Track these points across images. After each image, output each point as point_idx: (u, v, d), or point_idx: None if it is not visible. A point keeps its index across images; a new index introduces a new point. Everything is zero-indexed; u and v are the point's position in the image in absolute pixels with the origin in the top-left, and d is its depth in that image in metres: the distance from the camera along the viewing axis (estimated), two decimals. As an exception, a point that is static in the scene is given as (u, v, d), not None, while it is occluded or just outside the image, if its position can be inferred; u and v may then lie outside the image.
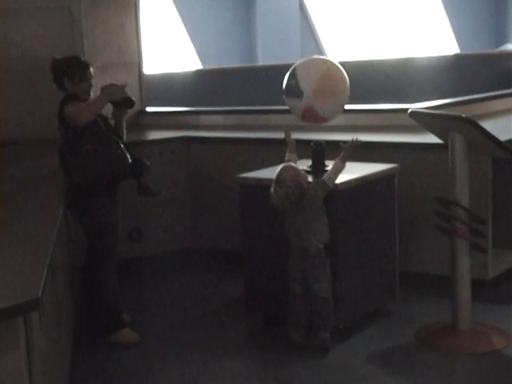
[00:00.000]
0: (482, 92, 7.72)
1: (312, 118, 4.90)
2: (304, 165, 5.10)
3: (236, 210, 5.33)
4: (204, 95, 11.67)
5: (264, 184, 5.01)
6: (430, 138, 5.16)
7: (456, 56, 14.32)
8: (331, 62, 4.88)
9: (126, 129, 5.23)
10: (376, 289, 5.13)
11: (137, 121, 7.52)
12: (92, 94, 5.01)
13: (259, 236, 5.09)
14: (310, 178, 4.85)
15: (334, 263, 4.68)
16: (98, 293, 4.98)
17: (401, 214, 5.31)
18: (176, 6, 19.63)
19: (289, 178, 4.56)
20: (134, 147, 5.30)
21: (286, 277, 4.73)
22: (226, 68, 14.62)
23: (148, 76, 8.08)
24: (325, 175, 4.64)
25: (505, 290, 5.62)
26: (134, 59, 7.53)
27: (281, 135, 6.64)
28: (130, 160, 4.99)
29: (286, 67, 5.05)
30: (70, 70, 4.93)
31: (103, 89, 5.02)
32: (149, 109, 7.81)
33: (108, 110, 5.12)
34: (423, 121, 5.02)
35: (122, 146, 5.00)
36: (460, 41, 22.23)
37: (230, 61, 18.79)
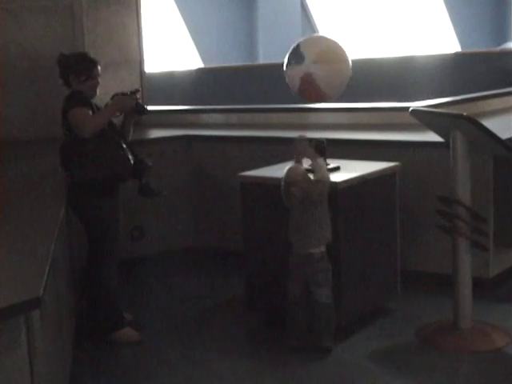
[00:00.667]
0: (483, 90, 7.72)
1: (309, 91, 4.82)
2: (305, 163, 5.10)
3: (237, 208, 5.33)
4: (205, 93, 11.68)
5: (265, 182, 5.02)
6: (432, 137, 5.16)
7: (457, 54, 14.32)
8: (337, 42, 4.88)
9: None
10: (377, 287, 5.13)
11: (138, 119, 7.52)
12: (98, 92, 5.00)
13: (260, 234, 5.08)
14: (311, 177, 4.85)
15: (335, 261, 4.67)
16: (99, 292, 4.98)
17: (402, 213, 5.30)
18: (177, 5, 19.63)
19: (300, 177, 4.54)
20: (136, 145, 5.29)
21: (285, 278, 4.71)
22: (228, 66, 14.63)
23: (149, 74, 8.08)
24: (315, 175, 4.56)
25: (506, 288, 5.62)
26: (136, 57, 7.53)
27: (281, 134, 6.67)
28: (131, 161, 4.98)
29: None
30: (78, 67, 4.91)
31: (113, 98, 5.00)
32: (150, 107, 7.79)
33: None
34: (424, 119, 5.02)
35: (125, 146, 4.99)
36: (461, 39, 22.23)
37: (232, 59, 18.81)
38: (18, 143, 6.71)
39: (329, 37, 4.95)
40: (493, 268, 5.52)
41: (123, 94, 5.03)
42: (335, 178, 4.78)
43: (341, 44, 4.86)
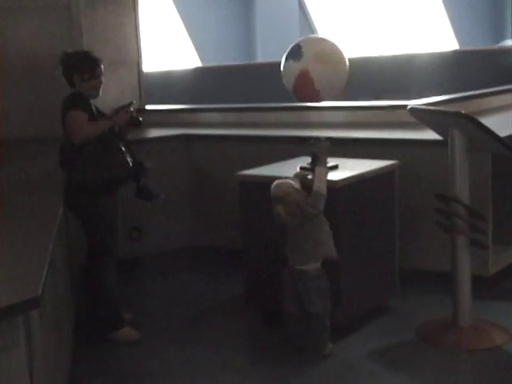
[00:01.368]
0: (481, 88, 7.72)
1: (305, 88, 4.83)
2: (304, 162, 5.10)
3: (235, 207, 5.32)
4: (203, 93, 11.68)
5: (263, 181, 5.01)
6: (430, 135, 5.16)
7: (455, 52, 14.31)
8: (336, 44, 4.89)
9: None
10: (376, 285, 5.13)
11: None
12: (101, 91, 4.99)
13: (259, 233, 5.08)
14: (309, 176, 4.85)
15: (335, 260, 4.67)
16: (99, 291, 4.98)
17: (401, 211, 5.30)
18: (175, 4, 19.62)
19: (285, 195, 4.42)
20: (134, 145, 5.29)
21: (279, 292, 4.66)
22: (225, 66, 14.62)
23: (147, 74, 8.07)
24: (315, 186, 4.45)
25: (505, 286, 5.62)
26: (133, 57, 7.53)
27: (279, 132, 6.67)
28: (130, 164, 4.97)
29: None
30: (81, 66, 4.90)
31: (117, 110, 4.98)
32: (148, 107, 7.80)
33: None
34: (423, 117, 5.02)
35: (124, 148, 4.99)
36: (459, 37, 22.23)
37: (229, 58, 18.80)
38: (17, 143, 6.70)
39: (328, 38, 4.97)
40: (492, 266, 5.52)
41: (121, 108, 5.01)
42: (334, 176, 4.77)
43: (339, 46, 4.88)
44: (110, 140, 4.91)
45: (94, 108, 4.94)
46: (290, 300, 4.60)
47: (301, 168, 5.00)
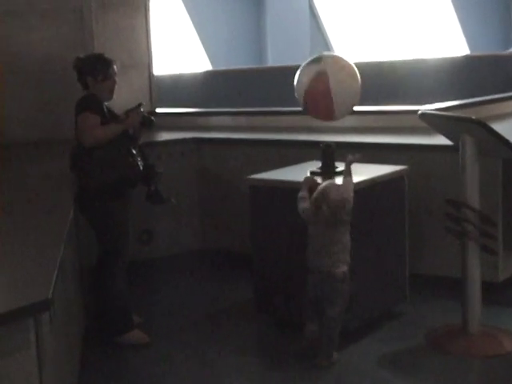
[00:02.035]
0: (492, 94, 7.70)
1: (319, 88, 4.81)
2: (314, 166, 5.10)
3: (245, 211, 5.32)
4: (214, 96, 11.68)
5: (274, 185, 5.02)
6: (441, 140, 5.15)
7: (466, 57, 14.28)
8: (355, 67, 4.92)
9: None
10: (386, 291, 5.12)
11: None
12: (114, 93, 5.00)
13: (269, 237, 5.08)
14: (319, 180, 4.85)
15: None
16: (108, 294, 4.99)
17: (411, 216, 5.29)
18: (186, 8, 19.65)
19: (337, 197, 4.43)
20: (144, 148, 5.29)
21: (298, 285, 4.64)
22: (236, 69, 14.63)
23: (158, 77, 8.09)
24: (345, 194, 4.47)
25: (515, 292, 5.61)
26: (144, 60, 7.55)
27: (289, 136, 6.67)
28: (141, 167, 4.98)
29: (295, 68, 5.06)
30: (94, 69, 4.92)
31: (127, 113, 5.00)
32: (158, 110, 7.81)
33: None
34: (433, 122, 5.01)
35: (135, 152, 5.00)
36: (470, 42, 22.19)
37: (240, 62, 18.82)
38: (26, 145, 6.72)
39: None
40: (502, 272, 5.50)
41: (131, 110, 5.02)
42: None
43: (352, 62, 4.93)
44: (122, 143, 4.91)
45: (106, 110, 4.95)
46: (311, 309, 4.56)
47: (311, 172, 5.00)
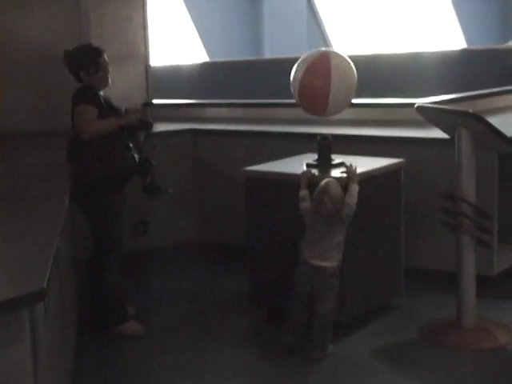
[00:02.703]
0: (488, 87, 7.70)
1: (320, 68, 4.80)
2: (310, 158, 5.10)
3: (241, 203, 5.32)
4: (210, 88, 11.67)
5: (269, 177, 5.02)
6: (437, 133, 5.15)
7: (463, 51, 14.29)
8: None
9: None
10: (381, 284, 5.12)
11: (143, 113, 7.51)
12: (110, 80, 4.99)
13: (264, 229, 5.08)
14: (315, 173, 4.85)
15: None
16: (103, 285, 4.99)
17: (406, 209, 5.30)
18: (183, -1, 19.61)
19: (339, 194, 4.51)
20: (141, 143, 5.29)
21: (293, 278, 4.63)
22: (233, 61, 14.60)
23: (154, 68, 8.06)
24: (348, 198, 4.54)
25: (510, 285, 5.62)
26: (141, 51, 7.52)
27: (286, 129, 6.67)
28: (137, 161, 4.98)
29: (292, 61, 5.04)
30: (84, 61, 4.90)
31: (127, 110, 5.00)
32: (155, 101, 7.79)
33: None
34: (430, 116, 5.01)
35: (132, 145, 5.00)
36: (467, 36, 22.19)
37: (237, 54, 18.78)
38: (23, 136, 6.71)
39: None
40: (496, 265, 5.51)
41: (131, 109, 5.04)
42: (339, 173, 4.77)
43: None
44: (119, 137, 4.91)
45: (103, 101, 4.93)
46: (300, 303, 4.57)
47: (307, 165, 5.00)
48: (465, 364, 4.61)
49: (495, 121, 4.75)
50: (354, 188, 4.60)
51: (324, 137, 5.07)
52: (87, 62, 4.89)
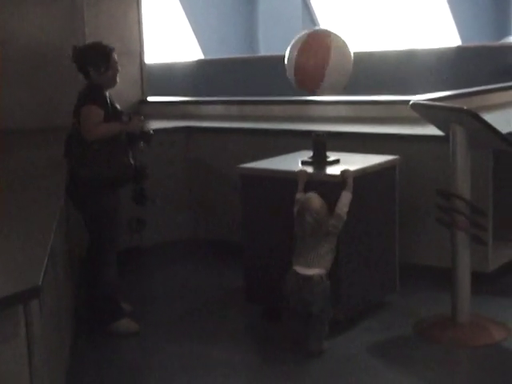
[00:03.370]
0: (483, 84, 7.71)
1: (315, 44, 4.81)
2: (305, 156, 5.10)
3: (236, 200, 5.32)
4: (205, 85, 11.67)
5: (264, 175, 5.02)
6: (432, 130, 5.16)
7: (458, 48, 14.31)
8: None
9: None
10: (376, 280, 5.13)
11: (138, 110, 7.52)
12: (118, 79, 4.99)
13: (259, 226, 5.08)
14: (310, 170, 4.85)
15: (335, 255, 4.66)
16: (99, 283, 4.98)
17: (401, 206, 5.30)
18: (178, -4, 19.59)
19: (321, 208, 4.51)
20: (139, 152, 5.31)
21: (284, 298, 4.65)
22: (228, 58, 14.62)
23: (149, 65, 8.07)
24: (338, 208, 4.56)
25: (505, 282, 5.62)
26: (136, 48, 7.52)
27: (281, 126, 6.67)
28: (133, 168, 5.00)
29: (287, 58, 5.05)
30: (95, 60, 4.87)
31: (130, 116, 5.02)
32: (150, 98, 7.80)
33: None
34: (424, 113, 5.02)
35: (131, 152, 5.01)
36: (462, 33, 22.21)
37: (232, 51, 18.78)
38: (20, 133, 6.70)
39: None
40: (491, 262, 5.52)
41: (135, 116, 5.08)
42: (335, 170, 4.78)
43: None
44: (119, 142, 4.91)
45: (109, 103, 4.93)
46: (293, 301, 4.59)
47: (302, 162, 5.00)
48: (460, 360, 4.62)
49: (490, 118, 4.75)
50: (347, 196, 4.61)
51: (319, 134, 5.07)
52: (98, 60, 4.87)
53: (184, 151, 6.79)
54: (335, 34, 4.90)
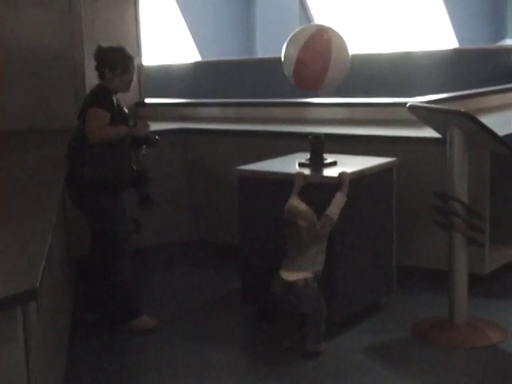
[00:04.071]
0: (480, 87, 7.73)
1: (315, 44, 4.81)
2: (302, 158, 5.10)
3: (234, 202, 5.33)
4: (203, 87, 11.67)
5: (262, 176, 5.02)
6: (429, 133, 5.17)
7: (455, 50, 14.32)
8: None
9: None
10: (373, 282, 5.13)
11: (135, 112, 7.52)
12: (130, 87, 5.03)
13: (257, 228, 5.09)
14: (307, 172, 4.85)
15: (331, 256, 4.66)
16: (116, 284, 4.98)
17: (399, 208, 5.30)
18: (175, -2, 19.60)
19: (309, 210, 4.49)
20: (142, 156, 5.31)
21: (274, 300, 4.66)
22: (225, 60, 14.61)
23: (147, 67, 8.07)
24: (328, 210, 4.53)
25: (501, 284, 5.63)
26: (133, 50, 7.47)
27: (278, 128, 6.67)
28: (134, 172, 5.01)
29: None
30: (115, 61, 4.91)
31: (136, 120, 5.06)
32: (147, 100, 7.80)
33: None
34: (422, 115, 5.02)
35: (134, 156, 5.03)
36: (459, 35, 22.23)
37: (229, 53, 18.79)
38: (17, 134, 6.70)
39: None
40: (488, 264, 5.53)
41: (141, 121, 5.12)
42: (332, 172, 4.78)
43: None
44: (123, 146, 4.92)
45: (115, 106, 4.94)
46: (281, 305, 4.61)
47: (299, 164, 5.01)
48: (457, 362, 4.62)
49: (487, 120, 4.76)
50: (341, 198, 4.58)
51: (316, 136, 5.07)
52: (116, 62, 4.90)
53: (182, 153, 6.80)
54: (332, 29, 4.91)
